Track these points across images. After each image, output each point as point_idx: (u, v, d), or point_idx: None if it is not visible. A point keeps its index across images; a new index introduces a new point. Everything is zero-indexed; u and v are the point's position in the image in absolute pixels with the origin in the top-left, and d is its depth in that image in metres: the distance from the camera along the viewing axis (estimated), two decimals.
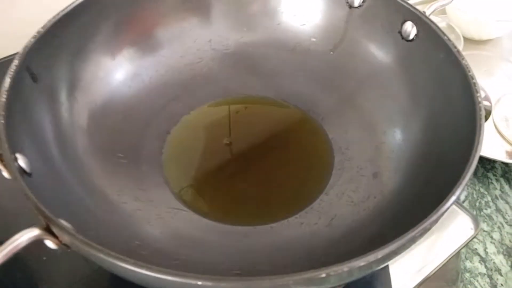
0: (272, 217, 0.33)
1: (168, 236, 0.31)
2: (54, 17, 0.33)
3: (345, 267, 0.20)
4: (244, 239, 0.32)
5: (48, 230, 0.22)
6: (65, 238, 0.21)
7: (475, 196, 0.45)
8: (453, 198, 0.23)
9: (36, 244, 0.34)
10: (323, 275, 0.20)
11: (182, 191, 0.35)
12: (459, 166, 0.25)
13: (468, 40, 0.58)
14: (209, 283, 0.19)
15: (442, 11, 0.61)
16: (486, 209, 0.44)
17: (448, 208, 0.23)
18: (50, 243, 0.22)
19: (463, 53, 0.56)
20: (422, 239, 0.37)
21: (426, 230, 0.23)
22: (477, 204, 0.44)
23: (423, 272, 0.35)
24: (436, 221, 0.23)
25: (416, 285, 0.35)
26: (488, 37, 0.59)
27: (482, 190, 0.45)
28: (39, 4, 0.42)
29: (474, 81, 0.29)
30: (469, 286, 0.39)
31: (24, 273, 0.35)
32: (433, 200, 0.24)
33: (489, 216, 0.43)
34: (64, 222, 0.22)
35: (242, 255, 0.30)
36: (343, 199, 0.33)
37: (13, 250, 0.20)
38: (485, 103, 0.49)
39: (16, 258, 0.34)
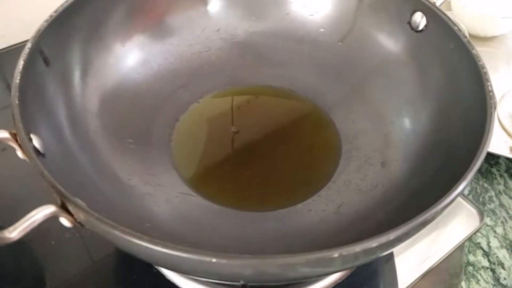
0: (280, 203, 0.34)
1: (177, 220, 0.31)
2: (66, 1, 0.33)
3: (357, 247, 0.20)
4: (252, 224, 0.32)
5: (64, 208, 0.22)
6: (80, 216, 0.22)
7: (478, 191, 0.45)
8: (462, 186, 0.23)
9: (42, 232, 0.34)
10: (336, 255, 0.20)
11: (191, 176, 0.35)
12: (468, 155, 0.25)
13: (473, 37, 0.58)
14: (223, 261, 0.19)
15: (448, 7, 0.61)
16: (489, 204, 0.44)
17: (456, 196, 0.23)
18: (65, 221, 0.22)
19: None
20: (427, 230, 0.37)
21: (438, 214, 0.23)
22: (481, 199, 0.44)
23: (428, 263, 0.36)
24: (444, 208, 0.23)
25: (421, 276, 0.35)
26: (493, 34, 0.59)
27: (486, 185, 0.45)
28: None
29: (484, 70, 0.29)
30: (472, 279, 0.39)
31: (29, 260, 0.35)
32: (441, 189, 0.24)
33: (493, 211, 0.43)
34: (79, 201, 0.22)
35: (250, 240, 0.30)
36: (351, 187, 0.34)
37: (31, 226, 0.20)
38: None
39: (23, 244, 0.35)
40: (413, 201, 0.29)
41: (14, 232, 0.20)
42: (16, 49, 0.50)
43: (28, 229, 0.21)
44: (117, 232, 0.20)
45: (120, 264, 0.34)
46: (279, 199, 0.34)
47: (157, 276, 0.33)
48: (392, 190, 0.32)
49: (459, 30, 0.32)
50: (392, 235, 0.21)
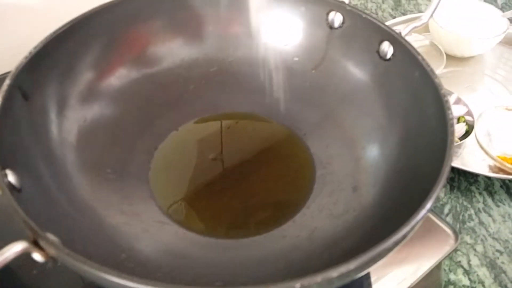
0: (255, 230, 0.34)
1: (153, 249, 0.32)
2: (45, 38, 0.34)
3: (318, 278, 0.21)
4: (227, 252, 0.32)
5: (36, 244, 0.23)
6: (52, 252, 0.22)
7: (458, 209, 0.46)
8: (423, 212, 0.24)
9: (27, 258, 0.34)
10: (298, 286, 0.21)
11: (168, 205, 0.36)
12: (431, 179, 0.26)
13: (451, 57, 0.60)
14: None
15: (426, 30, 0.62)
16: (469, 222, 0.45)
17: (418, 221, 0.24)
18: (37, 256, 0.23)
19: (446, 70, 0.58)
20: (403, 252, 0.38)
21: (399, 242, 0.24)
22: (461, 217, 0.45)
23: (404, 284, 0.36)
24: (406, 234, 0.24)
25: None
26: (470, 54, 0.60)
27: (465, 203, 0.46)
28: (32, 25, 0.43)
29: (446, 98, 0.30)
30: None
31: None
32: (406, 214, 0.25)
33: (472, 229, 0.44)
34: (51, 236, 0.23)
35: (224, 268, 0.31)
36: (324, 212, 0.35)
37: (2, 263, 0.21)
38: (468, 118, 0.50)
39: (7, 272, 0.35)
40: (381, 225, 0.30)
41: None
42: None
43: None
44: (86, 268, 0.21)
45: None
46: (255, 226, 0.35)
47: None
48: (363, 214, 0.33)
49: (423, 59, 0.33)
50: (352, 265, 0.22)
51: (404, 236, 0.24)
